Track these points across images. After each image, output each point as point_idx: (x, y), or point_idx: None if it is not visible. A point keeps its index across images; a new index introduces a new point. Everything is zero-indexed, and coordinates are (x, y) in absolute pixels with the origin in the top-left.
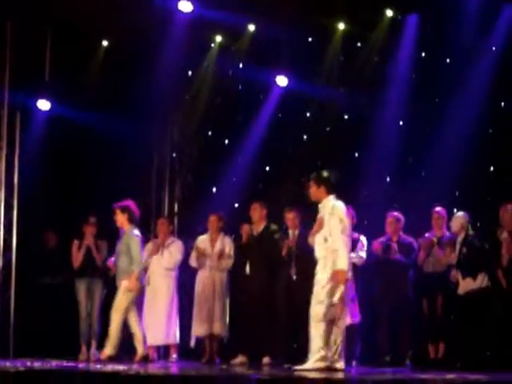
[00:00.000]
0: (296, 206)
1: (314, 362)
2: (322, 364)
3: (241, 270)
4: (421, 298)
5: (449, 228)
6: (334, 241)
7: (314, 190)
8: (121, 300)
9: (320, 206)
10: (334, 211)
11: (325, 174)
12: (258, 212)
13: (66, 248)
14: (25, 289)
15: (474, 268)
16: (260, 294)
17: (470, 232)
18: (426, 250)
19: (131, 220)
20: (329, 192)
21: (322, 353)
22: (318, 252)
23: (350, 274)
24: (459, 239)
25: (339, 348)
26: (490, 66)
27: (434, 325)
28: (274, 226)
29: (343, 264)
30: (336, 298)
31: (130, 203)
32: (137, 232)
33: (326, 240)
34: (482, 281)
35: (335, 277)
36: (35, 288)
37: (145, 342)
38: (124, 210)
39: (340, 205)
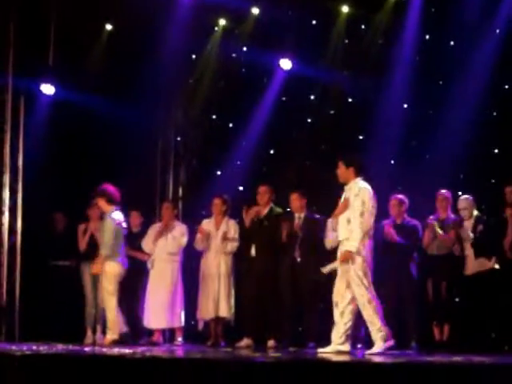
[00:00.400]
0: (301, 189)
1: (380, 345)
2: (389, 343)
3: (246, 253)
4: (426, 280)
5: (456, 210)
6: (352, 222)
7: (342, 171)
8: (105, 286)
9: (346, 187)
10: (359, 193)
11: (354, 155)
12: (264, 195)
13: (73, 231)
14: (31, 272)
15: (490, 248)
16: (265, 276)
17: (476, 213)
18: (431, 233)
19: (111, 202)
20: (357, 174)
21: (382, 332)
22: (341, 234)
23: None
24: (471, 220)
25: (348, 330)
26: (493, 49)
27: (439, 307)
28: (278, 209)
29: (352, 246)
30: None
31: (106, 186)
32: (116, 215)
33: (349, 222)
34: (494, 262)
35: (342, 256)
36: (42, 271)
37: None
38: (101, 194)
39: (366, 187)
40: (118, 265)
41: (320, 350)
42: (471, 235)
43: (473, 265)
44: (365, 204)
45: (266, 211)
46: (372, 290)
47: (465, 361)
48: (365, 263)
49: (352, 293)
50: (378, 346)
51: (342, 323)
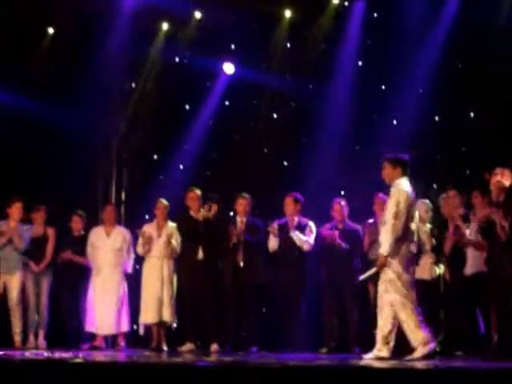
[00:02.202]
0: (247, 194)
1: (421, 350)
2: (427, 348)
3: (191, 256)
4: (367, 284)
5: None
6: (386, 224)
7: (389, 171)
8: None
9: (392, 188)
10: (395, 195)
11: (399, 155)
12: (198, 200)
13: None
14: None
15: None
16: (208, 280)
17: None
18: (370, 237)
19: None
20: (403, 174)
21: (422, 336)
22: (381, 236)
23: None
24: (427, 225)
25: (389, 335)
26: (435, 54)
27: None
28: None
29: (383, 249)
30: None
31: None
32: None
33: (385, 224)
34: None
35: (378, 260)
36: None
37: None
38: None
39: (404, 189)
40: None
41: (364, 355)
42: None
43: (431, 270)
44: (398, 205)
45: (205, 215)
46: (409, 293)
47: (402, 365)
48: (400, 267)
49: (390, 297)
50: (419, 351)
51: (381, 328)
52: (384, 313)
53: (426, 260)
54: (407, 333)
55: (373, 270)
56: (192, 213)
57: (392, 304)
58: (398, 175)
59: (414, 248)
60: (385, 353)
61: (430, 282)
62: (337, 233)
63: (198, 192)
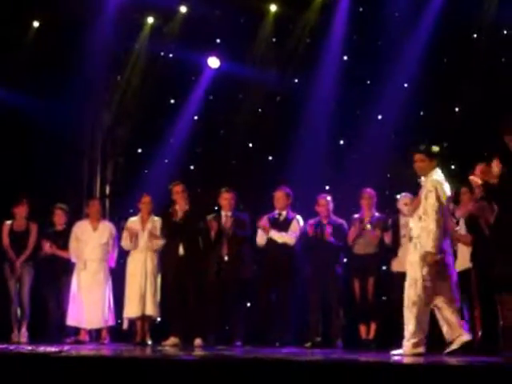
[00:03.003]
0: (231, 188)
1: (410, 348)
2: (418, 349)
3: (173, 251)
4: (352, 279)
5: (397, 209)
6: (428, 220)
7: (425, 164)
8: None
9: (423, 180)
10: (434, 188)
11: (435, 147)
12: (184, 194)
13: None
14: None
15: None
16: (192, 275)
17: None
18: (355, 231)
19: None
20: (438, 165)
21: (416, 339)
22: (413, 231)
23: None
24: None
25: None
26: (420, 50)
27: (365, 305)
28: (194, 208)
29: (431, 246)
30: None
31: None
32: None
33: (420, 219)
34: None
35: (424, 258)
36: None
37: None
38: None
39: (440, 181)
40: None
41: (394, 351)
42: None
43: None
44: (439, 199)
45: (188, 209)
46: (430, 294)
47: (391, 359)
48: (438, 264)
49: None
50: (407, 347)
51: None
52: (415, 308)
53: (404, 252)
54: (405, 328)
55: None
56: (176, 207)
57: (452, 300)
58: (433, 167)
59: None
60: (419, 349)
61: None
62: (329, 230)
63: (182, 186)
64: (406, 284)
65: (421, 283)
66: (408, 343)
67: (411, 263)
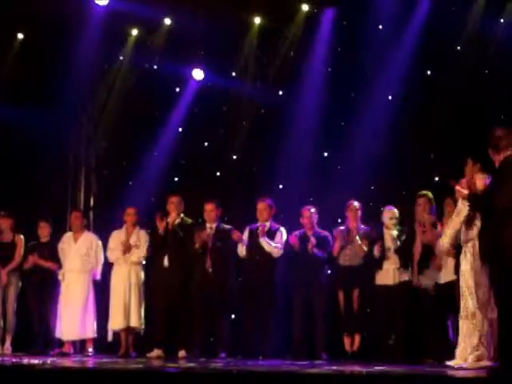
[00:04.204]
0: (216, 200)
1: (472, 361)
2: (481, 363)
3: (158, 263)
4: (337, 290)
5: (380, 222)
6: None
7: (469, 168)
8: None
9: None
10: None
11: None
12: (175, 205)
13: None
14: None
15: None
16: (176, 287)
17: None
18: (341, 243)
19: None
20: (481, 170)
21: (479, 351)
22: (462, 238)
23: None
24: (394, 231)
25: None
26: (404, 62)
27: (350, 317)
28: (188, 220)
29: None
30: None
31: None
32: None
33: (469, 225)
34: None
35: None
36: None
37: None
38: None
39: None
40: None
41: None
42: (395, 244)
43: (394, 275)
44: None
45: (176, 221)
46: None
47: (375, 371)
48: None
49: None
50: (470, 361)
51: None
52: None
53: (389, 265)
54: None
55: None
56: (169, 219)
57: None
58: (475, 172)
59: (377, 252)
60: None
61: (392, 287)
62: (313, 241)
63: (178, 197)
64: (465, 295)
65: (476, 292)
66: (471, 356)
67: (463, 273)
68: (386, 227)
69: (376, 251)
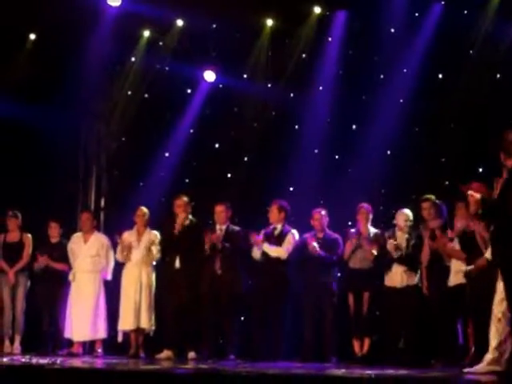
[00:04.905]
0: (226, 202)
1: (485, 364)
2: (492, 367)
3: (169, 264)
4: (346, 293)
5: (392, 225)
6: None
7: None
8: None
9: None
10: None
11: None
12: (186, 208)
13: None
14: None
15: (414, 263)
16: (186, 288)
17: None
18: (351, 246)
19: None
20: None
21: (496, 354)
22: None
23: None
24: (405, 234)
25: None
26: (416, 66)
27: (359, 320)
28: (196, 220)
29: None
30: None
31: None
32: None
33: None
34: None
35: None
36: None
37: None
38: None
39: None
40: None
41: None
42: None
43: (402, 278)
44: None
45: (185, 223)
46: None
47: (384, 374)
48: None
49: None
50: (481, 366)
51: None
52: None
53: (398, 268)
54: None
55: None
56: (178, 220)
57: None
58: None
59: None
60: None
61: (400, 289)
62: (316, 245)
63: (185, 199)
64: (495, 300)
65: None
66: (485, 359)
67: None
68: (399, 229)
69: (390, 247)
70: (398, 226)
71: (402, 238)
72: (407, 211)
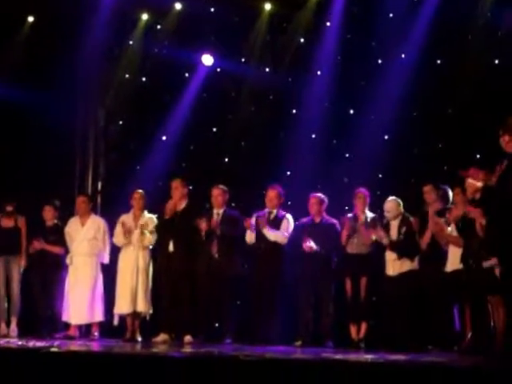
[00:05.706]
0: (223, 185)
1: None
2: None
3: (163, 248)
4: (344, 278)
5: (382, 211)
6: None
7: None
8: None
9: None
10: None
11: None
12: (178, 190)
13: None
14: None
15: (413, 249)
16: (182, 272)
17: (406, 214)
18: (348, 231)
19: None
20: None
21: None
22: None
23: None
24: (396, 221)
25: None
26: (414, 51)
27: (356, 305)
28: (192, 204)
29: None
30: None
31: None
32: None
33: None
34: (416, 262)
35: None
36: None
37: None
38: None
39: None
40: None
41: None
42: (394, 236)
43: (395, 265)
44: None
45: (182, 206)
46: None
47: (380, 358)
48: None
49: None
50: None
51: None
52: None
53: (390, 256)
54: None
55: None
56: (168, 205)
57: None
58: None
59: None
60: None
61: (393, 277)
62: (313, 245)
63: (180, 180)
64: None
65: None
66: None
67: None
68: (389, 218)
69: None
70: (389, 213)
71: (393, 225)
72: (388, 201)
